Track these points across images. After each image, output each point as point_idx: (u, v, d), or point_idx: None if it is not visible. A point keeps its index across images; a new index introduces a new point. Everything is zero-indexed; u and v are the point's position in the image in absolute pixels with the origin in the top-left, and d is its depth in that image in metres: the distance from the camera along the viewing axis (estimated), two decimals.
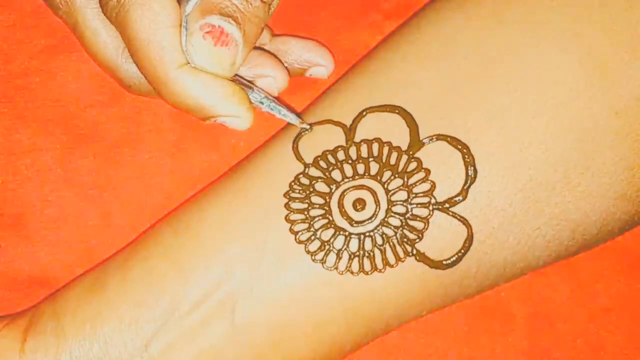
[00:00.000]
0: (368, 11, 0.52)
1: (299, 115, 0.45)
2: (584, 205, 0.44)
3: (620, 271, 0.52)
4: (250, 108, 0.43)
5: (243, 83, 0.44)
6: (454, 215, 0.43)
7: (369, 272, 0.44)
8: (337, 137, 0.45)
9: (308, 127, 0.45)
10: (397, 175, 0.44)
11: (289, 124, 0.47)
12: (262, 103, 0.45)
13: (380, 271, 0.44)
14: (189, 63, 0.41)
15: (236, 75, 0.44)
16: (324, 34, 0.52)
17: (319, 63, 0.51)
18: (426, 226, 0.44)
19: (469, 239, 0.44)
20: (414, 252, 0.44)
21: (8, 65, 0.53)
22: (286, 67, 0.50)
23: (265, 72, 0.49)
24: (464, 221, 0.44)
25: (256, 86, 0.46)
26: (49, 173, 0.52)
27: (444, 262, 0.44)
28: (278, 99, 0.46)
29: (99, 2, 0.43)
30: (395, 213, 0.44)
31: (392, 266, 0.44)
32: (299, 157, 0.45)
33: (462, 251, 0.44)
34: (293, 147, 0.46)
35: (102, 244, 0.51)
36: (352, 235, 0.44)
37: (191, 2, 0.41)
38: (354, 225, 0.44)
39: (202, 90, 0.42)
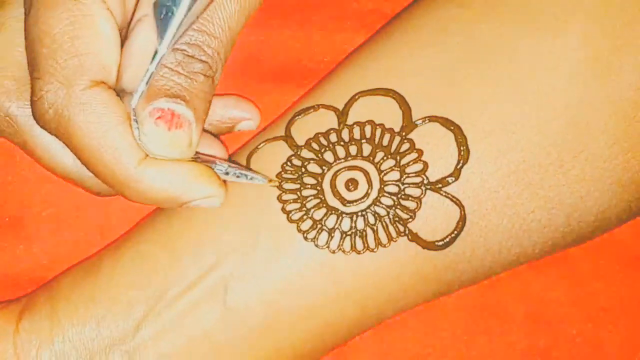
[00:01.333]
0: (366, 12, 0.53)
1: (265, 175, 0.45)
2: (578, 189, 0.44)
3: (619, 270, 0.52)
4: (221, 184, 0.42)
5: (203, 159, 0.43)
6: (447, 195, 0.43)
7: (361, 251, 0.43)
8: (329, 121, 0.45)
9: (277, 183, 0.45)
10: (389, 156, 0.44)
11: (285, 112, 0.48)
12: (227, 173, 0.44)
13: (372, 250, 0.43)
14: (147, 156, 0.40)
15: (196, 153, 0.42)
16: (319, 34, 0.53)
17: (244, 117, 0.50)
18: (419, 206, 0.43)
19: (462, 220, 0.43)
20: (407, 231, 0.43)
21: None
22: (213, 127, 0.50)
23: (243, 114, 0.49)
24: (456, 201, 0.43)
25: (217, 157, 0.45)
26: (49, 173, 0.52)
27: (437, 243, 0.44)
28: (239, 164, 0.46)
29: (34, 118, 0.40)
30: (388, 193, 0.44)
31: (384, 246, 0.43)
32: (290, 140, 0.45)
33: (455, 232, 0.44)
34: (285, 130, 0.46)
35: (101, 244, 0.51)
36: (344, 215, 0.44)
37: (136, 94, 0.39)
38: (346, 204, 0.44)
39: (169, 180, 0.40)
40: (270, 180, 0.44)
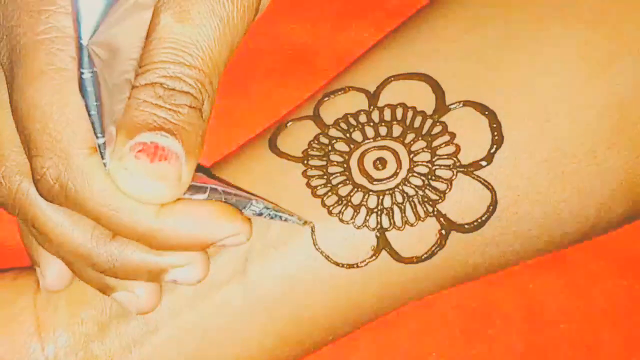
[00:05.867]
0: (370, 9, 0.52)
1: (300, 217, 0.42)
2: (610, 182, 0.43)
3: (617, 271, 0.51)
4: (245, 219, 0.39)
5: (238, 198, 0.40)
6: (478, 178, 0.42)
7: (387, 229, 0.42)
8: (359, 103, 0.44)
9: (312, 224, 0.43)
10: (420, 138, 0.43)
11: (312, 95, 0.47)
12: (261, 214, 0.41)
13: (398, 229, 0.42)
14: (166, 204, 0.37)
15: (223, 194, 0.40)
16: (326, 30, 0.52)
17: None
18: (449, 187, 0.42)
19: (493, 204, 0.42)
20: (435, 212, 0.42)
21: None
22: None
23: None
24: (487, 185, 0.42)
25: (255, 195, 0.42)
26: None
27: (466, 226, 0.42)
28: (274, 204, 0.43)
29: (41, 195, 0.37)
30: (417, 173, 0.42)
31: (411, 225, 0.42)
32: (319, 120, 0.44)
33: (486, 216, 0.42)
34: (314, 110, 0.45)
35: None
36: (371, 192, 0.42)
37: (98, 141, 0.36)
38: (374, 183, 0.43)
39: (190, 225, 0.37)
40: (306, 222, 0.42)
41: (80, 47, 0.34)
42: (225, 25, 0.37)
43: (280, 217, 0.41)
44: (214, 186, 0.39)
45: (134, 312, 0.42)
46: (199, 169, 0.38)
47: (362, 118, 0.44)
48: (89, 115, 0.35)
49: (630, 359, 0.50)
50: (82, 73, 0.34)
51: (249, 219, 0.39)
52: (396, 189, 0.42)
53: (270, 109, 0.50)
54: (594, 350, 0.50)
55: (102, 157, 0.36)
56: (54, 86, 0.36)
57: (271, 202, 0.42)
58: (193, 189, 0.38)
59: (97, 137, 0.36)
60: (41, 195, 0.37)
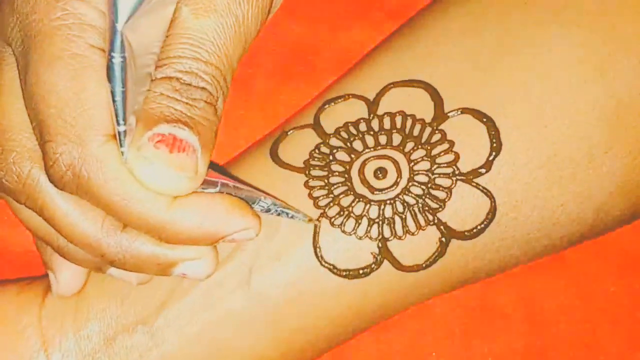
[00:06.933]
0: (370, 9, 0.52)
1: (305, 214, 0.43)
2: (608, 186, 0.43)
3: (617, 271, 0.51)
4: (255, 214, 0.39)
5: (247, 194, 0.41)
6: (477, 186, 0.42)
7: (389, 239, 0.42)
8: (359, 111, 0.45)
9: (317, 222, 0.43)
10: (420, 146, 0.43)
11: (314, 99, 0.47)
12: (269, 210, 0.42)
13: (400, 238, 0.42)
14: (176, 198, 0.37)
15: (233, 189, 0.40)
16: (327, 31, 0.52)
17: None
18: (449, 196, 0.42)
19: (492, 211, 0.43)
20: (436, 221, 0.42)
21: None
22: None
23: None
24: (487, 193, 0.42)
25: (264, 192, 0.43)
26: None
27: (466, 233, 0.43)
28: (282, 201, 0.43)
29: (52, 182, 0.37)
30: (418, 182, 0.43)
31: (412, 234, 0.42)
32: (319, 128, 0.45)
33: (485, 223, 0.43)
34: (314, 118, 0.45)
35: None
36: (372, 202, 0.43)
37: (118, 128, 0.35)
38: (375, 193, 0.43)
39: (202, 217, 0.37)
40: (310, 220, 0.43)
41: (114, 31, 0.33)
42: (241, 24, 0.37)
43: (287, 213, 0.42)
44: (224, 181, 0.39)
45: (134, 283, 0.42)
46: (210, 164, 0.38)
47: (362, 126, 0.44)
48: (114, 101, 0.35)
49: (630, 359, 0.50)
50: (112, 57, 0.34)
51: (259, 215, 0.39)
52: (397, 199, 0.43)
53: (270, 108, 0.50)
54: (594, 350, 0.50)
55: (121, 145, 0.36)
56: (71, 72, 0.36)
57: (279, 199, 0.43)
58: (205, 183, 0.38)
59: (118, 124, 0.35)
60: (52, 182, 0.37)
